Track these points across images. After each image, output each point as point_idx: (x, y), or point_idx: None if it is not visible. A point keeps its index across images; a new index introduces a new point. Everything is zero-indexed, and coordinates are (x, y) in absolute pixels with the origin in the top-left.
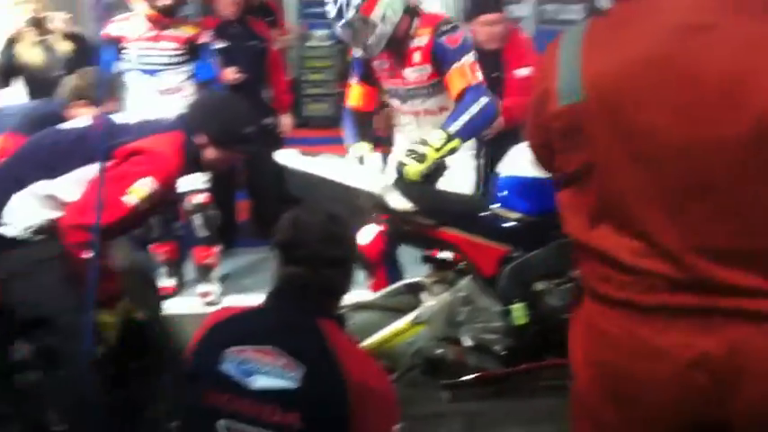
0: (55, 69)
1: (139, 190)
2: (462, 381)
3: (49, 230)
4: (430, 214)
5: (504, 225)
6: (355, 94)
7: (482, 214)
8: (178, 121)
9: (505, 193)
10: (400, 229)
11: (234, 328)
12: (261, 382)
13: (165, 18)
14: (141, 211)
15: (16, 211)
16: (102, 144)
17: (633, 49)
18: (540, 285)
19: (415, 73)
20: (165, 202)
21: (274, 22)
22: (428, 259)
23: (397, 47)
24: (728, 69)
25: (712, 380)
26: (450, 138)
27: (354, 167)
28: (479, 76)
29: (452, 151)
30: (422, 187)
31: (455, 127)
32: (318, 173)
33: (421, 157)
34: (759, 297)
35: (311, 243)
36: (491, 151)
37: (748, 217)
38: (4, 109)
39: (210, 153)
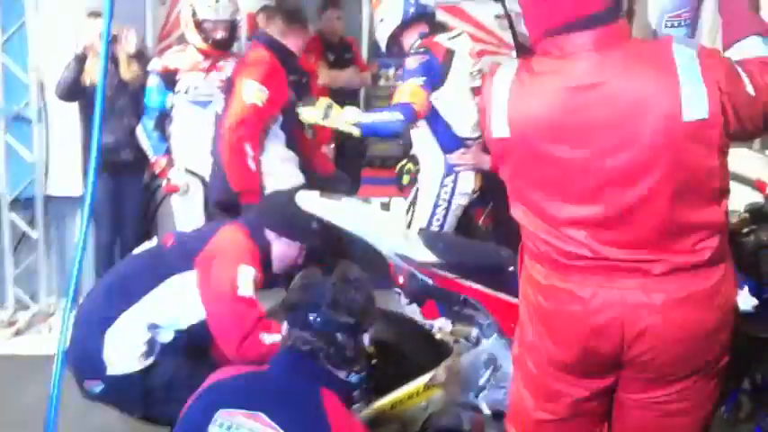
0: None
1: (244, 280)
2: None
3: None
4: (454, 267)
5: None
6: None
7: (511, 269)
8: (242, 220)
9: None
10: (422, 283)
11: (230, 390)
12: None
13: (218, 51)
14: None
15: (114, 347)
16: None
17: (544, 101)
18: None
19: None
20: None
21: (353, 59)
22: (451, 314)
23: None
24: (615, 117)
25: (613, 318)
26: (354, 123)
27: (376, 214)
28: (414, 100)
29: (348, 135)
30: (447, 239)
31: (362, 118)
32: (338, 221)
33: (324, 112)
34: (645, 263)
35: (321, 307)
36: None
37: (633, 217)
38: None
39: (278, 248)
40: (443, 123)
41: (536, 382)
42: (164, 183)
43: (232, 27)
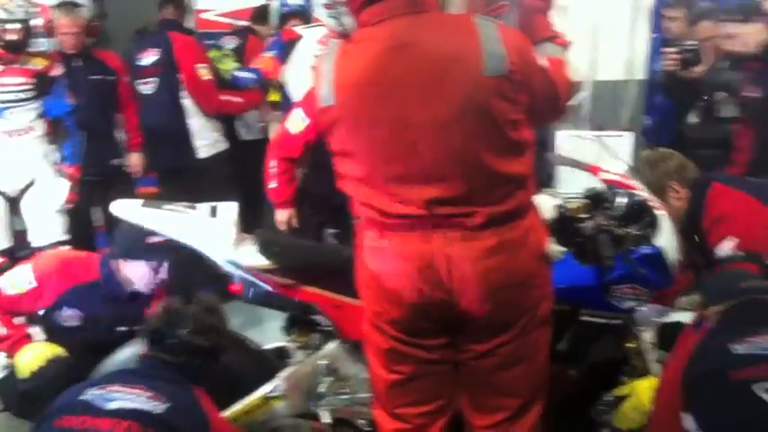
0: None
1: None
2: None
3: None
4: (289, 272)
5: None
6: None
7: (349, 270)
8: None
9: None
10: (257, 290)
11: (100, 378)
12: (120, 404)
13: (11, 54)
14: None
15: None
16: None
17: (363, 65)
18: None
19: None
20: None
21: None
22: (292, 321)
23: None
24: (426, 73)
25: (439, 271)
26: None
27: (202, 221)
28: (261, 65)
29: None
30: (283, 241)
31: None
32: (161, 229)
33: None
34: (463, 216)
35: (181, 333)
36: None
37: (449, 170)
38: None
39: (126, 270)
40: (288, 95)
41: (382, 348)
42: None
43: (26, 28)
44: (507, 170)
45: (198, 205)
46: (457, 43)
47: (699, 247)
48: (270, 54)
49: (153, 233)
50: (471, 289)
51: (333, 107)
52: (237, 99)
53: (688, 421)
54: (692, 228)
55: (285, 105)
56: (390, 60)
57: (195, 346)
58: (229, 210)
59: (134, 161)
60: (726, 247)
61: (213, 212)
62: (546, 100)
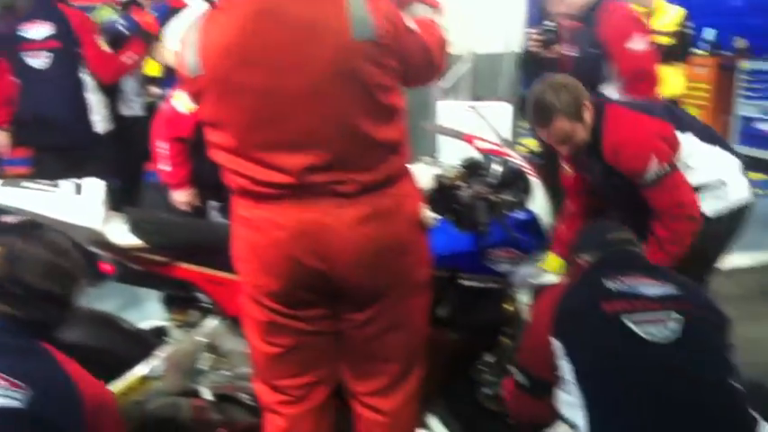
0: None
1: None
2: None
3: None
4: (162, 249)
5: None
6: None
7: (227, 246)
8: None
9: None
10: (129, 269)
11: None
12: None
13: None
14: None
15: None
16: None
17: (227, 32)
18: None
19: None
20: None
21: None
22: (169, 299)
23: None
24: (292, 40)
25: (314, 239)
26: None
27: (67, 198)
28: (140, 20)
29: None
30: (156, 219)
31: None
32: (23, 207)
33: None
34: (337, 184)
35: (29, 280)
36: None
37: (321, 137)
38: None
39: None
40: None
41: (261, 321)
42: None
43: None
44: (380, 136)
45: (61, 182)
46: (322, 9)
47: (600, 164)
48: (152, 14)
49: (8, 212)
50: (346, 257)
51: (200, 76)
52: (130, 55)
53: (557, 348)
54: (595, 144)
55: (168, 78)
56: (254, 27)
57: (45, 292)
58: (95, 187)
59: (2, 140)
60: (653, 169)
61: (78, 190)
62: (418, 61)
